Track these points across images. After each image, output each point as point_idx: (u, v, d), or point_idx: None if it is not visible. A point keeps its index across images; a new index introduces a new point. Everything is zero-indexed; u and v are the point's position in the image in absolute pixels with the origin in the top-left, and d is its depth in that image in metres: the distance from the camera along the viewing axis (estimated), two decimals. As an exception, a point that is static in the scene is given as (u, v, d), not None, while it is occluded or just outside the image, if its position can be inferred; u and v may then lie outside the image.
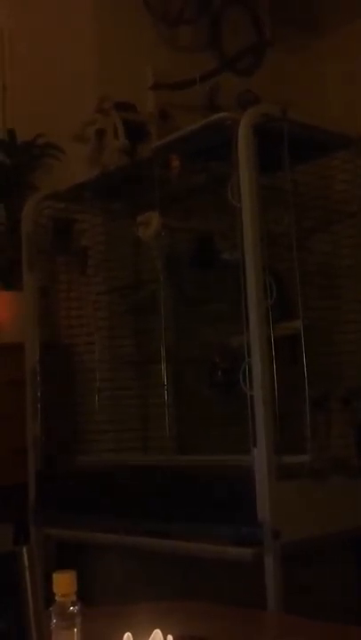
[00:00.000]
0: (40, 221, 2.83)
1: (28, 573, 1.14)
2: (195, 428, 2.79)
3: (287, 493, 2.09)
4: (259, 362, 2.10)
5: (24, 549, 1.15)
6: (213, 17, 3.37)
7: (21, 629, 1.12)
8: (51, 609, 1.10)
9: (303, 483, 2.13)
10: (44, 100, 3.13)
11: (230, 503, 2.15)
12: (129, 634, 1.05)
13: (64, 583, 1.10)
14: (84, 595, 1.13)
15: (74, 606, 1.10)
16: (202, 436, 2.76)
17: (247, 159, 2.18)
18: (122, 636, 1.05)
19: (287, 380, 2.17)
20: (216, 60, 3.32)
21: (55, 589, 1.10)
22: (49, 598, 1.11)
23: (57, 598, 1.10)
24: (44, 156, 3.10)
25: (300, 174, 2.53)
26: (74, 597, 1.10)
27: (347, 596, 2.31)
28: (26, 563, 1.14)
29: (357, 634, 1.60)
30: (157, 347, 2.51)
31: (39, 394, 2.71)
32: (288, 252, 2.27)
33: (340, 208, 2.60)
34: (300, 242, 2.35)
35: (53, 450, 2.70)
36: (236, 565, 2.13)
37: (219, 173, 2.40)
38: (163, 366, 2.49)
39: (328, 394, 2.34)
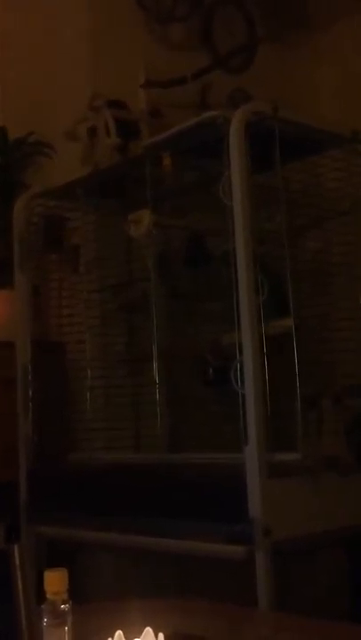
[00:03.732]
0: (31, 220, 2.83)
1: (19, 571, 1.14)
2: (187, 426, 2.79)
3: (279, 491, 2.09)
4: (250, 360, 2.10)
5: (15, 547, 1.15)
6: (205, 15, 3.37)
7: (13, 627, 1.12)
8: (42, 607, 1.10)
9: (295, 480, 2.14)
10: (35, 97, 3.13)
11: (222, 501, 2.15)
12: (120, 632, 1.05)
13: (55, 581, 1.10)
14: (76, 593, 1.13)
15: (65, 604, 1.10)
16: (194, 434, 2.76)
17: (239, 157, 2.18)
18: (113, 634, 1.05)
19: (279, 378, 2.17)
20: (208, 58, 3.32)
21: (46, 587, 1.10)
22: (40, 596, 1.11)
23: (48, 596, 1.10)
24: (36, 153, 3.09)
25: (291, 172, 2.53)
26: (65, 595, 1.10)
27: (338, 593, 2.32)
28: (17, 561, 1.14)
29: (348, 631, 1.60)
30: (149, 345, 2.51)
31: (30, 392, 2.70)
32: (280, 250, 2.27)
33: (332, 206, 2.61)
34: (292, 240, 2.35)
35: (45, 448, 2.69)
36: (229, 563, 2.14)
37: (210, 171, 2.40)
38: (155, 364, 2.48)
39: (320, 392, 2.34)
